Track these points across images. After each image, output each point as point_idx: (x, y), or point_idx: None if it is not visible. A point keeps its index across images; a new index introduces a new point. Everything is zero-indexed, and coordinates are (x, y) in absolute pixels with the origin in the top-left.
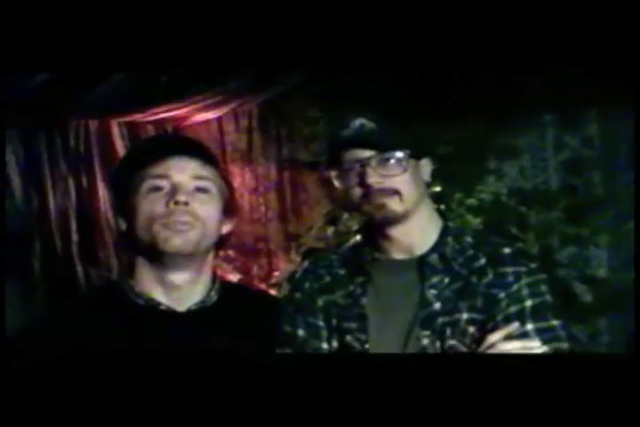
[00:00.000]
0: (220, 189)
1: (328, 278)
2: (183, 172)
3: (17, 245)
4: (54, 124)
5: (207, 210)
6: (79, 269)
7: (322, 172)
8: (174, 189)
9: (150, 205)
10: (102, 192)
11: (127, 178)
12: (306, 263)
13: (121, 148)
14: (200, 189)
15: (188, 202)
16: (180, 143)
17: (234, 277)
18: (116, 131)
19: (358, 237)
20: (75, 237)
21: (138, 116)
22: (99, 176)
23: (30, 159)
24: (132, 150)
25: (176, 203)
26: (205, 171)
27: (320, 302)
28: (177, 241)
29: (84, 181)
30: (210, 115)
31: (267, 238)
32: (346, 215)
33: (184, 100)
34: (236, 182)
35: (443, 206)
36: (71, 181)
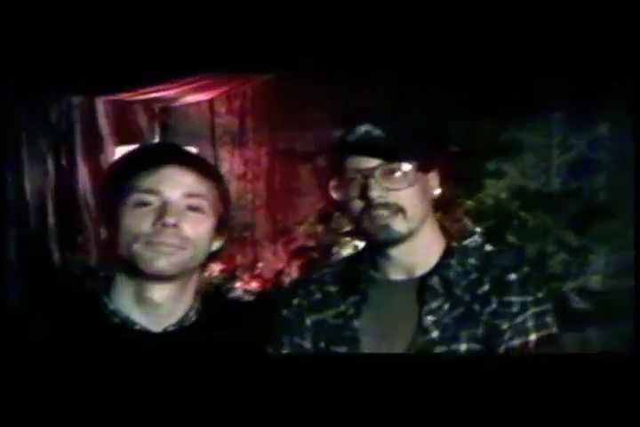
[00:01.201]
0: (213, 207)
1: (319, 295)
2: (175, 188)
3: None
4: (35, 99)
5: (198, 230)
6: (55, 252)
7: (316, 162)
8: (164, 208)
9: (136, 221)
10: (83, 173)
11: (114, 186)
12: (296, 275)
13: (105, 126)
14: (192, 208)
15: (178, 224)
16: (175, 152)
17: (216, 267)
18: (100, 109)
19: (350, 247)
20: (51, 219)
21: (125, 96)
22: (80, 156)
23: (7, 136)
24: (121, 159)
25: (164, 225)
26: (200, 186)
27: (309, 321)
28: (161, 264)
29: (64, 160)
30: (202, 96)
31: (253, 227)
32: (337, 213)
33: (175, 81)
34: (224, 167)
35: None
36: (50, 160)
